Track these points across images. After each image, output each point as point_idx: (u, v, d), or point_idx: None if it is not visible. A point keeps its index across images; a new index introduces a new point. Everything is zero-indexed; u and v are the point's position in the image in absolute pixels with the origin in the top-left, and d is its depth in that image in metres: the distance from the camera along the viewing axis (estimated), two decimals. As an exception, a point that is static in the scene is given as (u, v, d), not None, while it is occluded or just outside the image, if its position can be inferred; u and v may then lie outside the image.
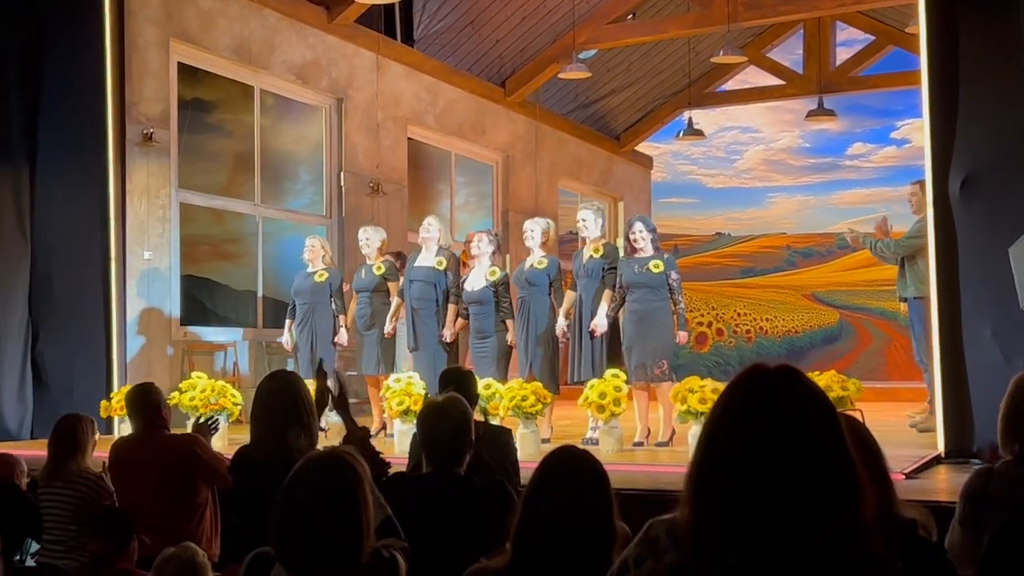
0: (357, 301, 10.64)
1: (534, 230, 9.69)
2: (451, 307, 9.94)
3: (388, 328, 10.21)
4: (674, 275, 9.07)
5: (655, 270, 8.99)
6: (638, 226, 9.20)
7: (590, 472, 2.94)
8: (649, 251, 9.14)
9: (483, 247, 9.88)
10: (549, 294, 9.63)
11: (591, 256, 9.35)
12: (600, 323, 9.13)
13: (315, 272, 10.77)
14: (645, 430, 9.02)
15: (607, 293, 9.20)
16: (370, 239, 10.63)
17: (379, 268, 10.48)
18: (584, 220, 9.45)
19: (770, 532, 1.84)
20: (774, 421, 1.90)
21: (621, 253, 9.55)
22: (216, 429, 5.99)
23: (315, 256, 10.88)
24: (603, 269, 9.27)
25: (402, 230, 14.56)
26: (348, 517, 2.87)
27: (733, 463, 1.89)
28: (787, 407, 1.92)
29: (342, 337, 10.70)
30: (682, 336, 9.02)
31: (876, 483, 2.48)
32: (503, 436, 5.60)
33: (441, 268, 9.99)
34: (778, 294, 22.50)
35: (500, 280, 9.70)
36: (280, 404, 4.41)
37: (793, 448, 1.88)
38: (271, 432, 4.37)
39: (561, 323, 9.46)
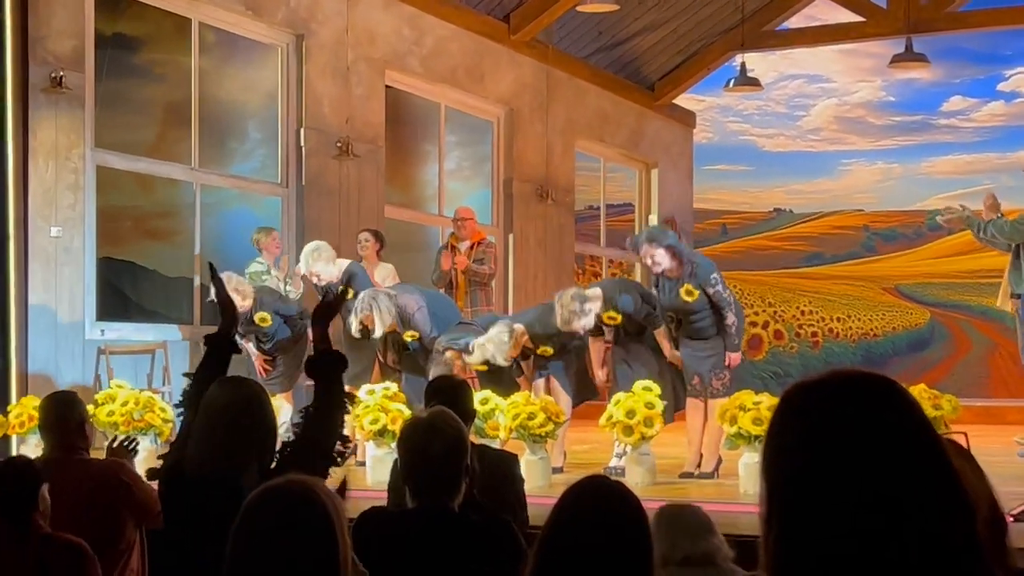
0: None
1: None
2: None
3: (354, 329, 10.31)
4: (710, 287, 9.09)
5: (688, 298, 9.08)
6: (646, 250, 9.14)
7: (627, 509, 2.94)
8: (676, 269, 9.13)
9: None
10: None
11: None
12: (673, 354, 9.38)
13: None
14: (697, 457, 9.08)
15: (659, 332, 9.40)
16: (320, 272, 10.72)
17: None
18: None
19: None
20: (871, 436, 1.89)
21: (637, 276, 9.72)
22: (135, 452, 5.99)
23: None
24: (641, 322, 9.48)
25: (378, 202, 14.56)
26: (324, 563, 2.86)
27: (824, 496, 1.88)
28: (885, 419, 1.91)
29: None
30: (733, 358, 9.14)
31: (984, 525, 2.47)
32: (506, 463, 5.61)
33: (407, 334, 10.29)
34: (852, 287, 22.50)
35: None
36: (234, 421, 4.29)
37: (896, 471, 1.87)
38: (216, 454, 4.32)
39: (600, 376, 9.77)
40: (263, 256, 12.26)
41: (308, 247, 10.84)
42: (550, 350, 9.59)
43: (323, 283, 10.58)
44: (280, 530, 2.88)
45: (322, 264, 10.61)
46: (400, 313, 10.20)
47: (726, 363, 9.11)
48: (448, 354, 9.76)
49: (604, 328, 9.53)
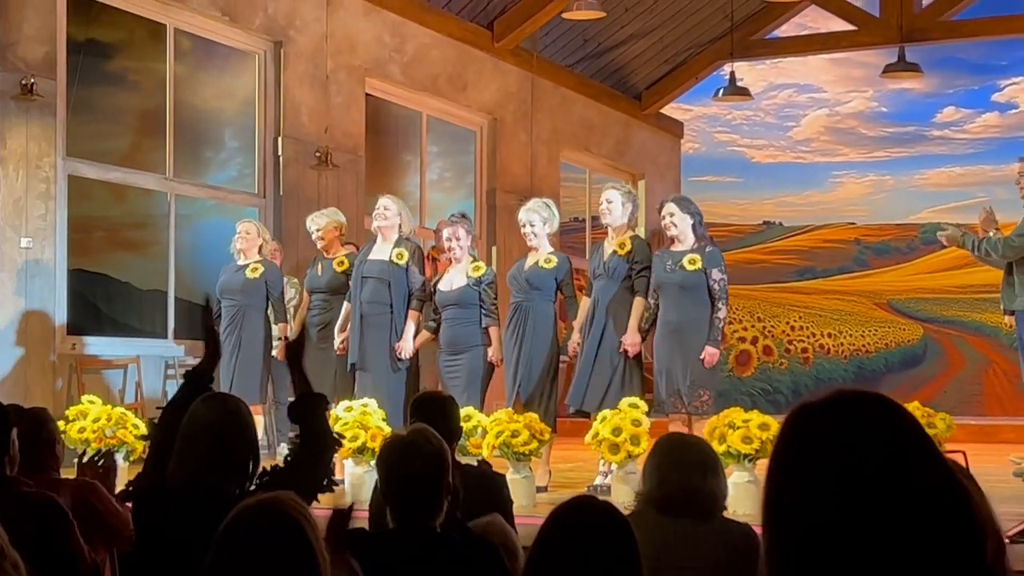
0: (310, 305, 10.73)
1: (534, 221, 9.70)
2: (412, 314, 9.96)
3: (338, 343, 10.22)
4: (716, 274, 9.07)
5: (690, 267, 9.00)
6: (671, 208, 9.18)
7: (615, 530, 2.94)
8: (689, 241, 9.13)
9: (462, 240, 9.89)
10: (554, 301, 9.64)
11: (614, 252, 9.33)
12: (634, 340, 9.16)
13: (247, 265, 10.84)
14: None
15: (638, 301, 9.21)
16: (322, 227, 10.70)
17: (341, 263, 10.56)
18: (609, 202, 9.40)
19: None
20: (876, 457, 1.90)
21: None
22: (108, 467, 5.96)
23: (249, 246, 10.96)
24: (629, 270, 9.26)
25: (357, 213, 14.54)
26: None
27: (828, 525, 1.89)
28: (889, 439, 1.92)
29: (281, 352, 10.78)
30: (710, 354, 9.02)
31: (992, 548, 2.47)
32: (494, 483, 5.59)
33: (401, 262, 10.00)
34: (844, 302, 22.52)
35: (487, 278, 9.72)
36: (218, 438, 4.36)
37: (902, 494, 1.88)
38: (203, 469, 4.34)
39: (575, 339, 9.50)
40: None
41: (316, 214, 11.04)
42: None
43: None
44: (257, 549, 2.90)
45: (323, 219, 10.83)
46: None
47: (702, 357, 9.01)
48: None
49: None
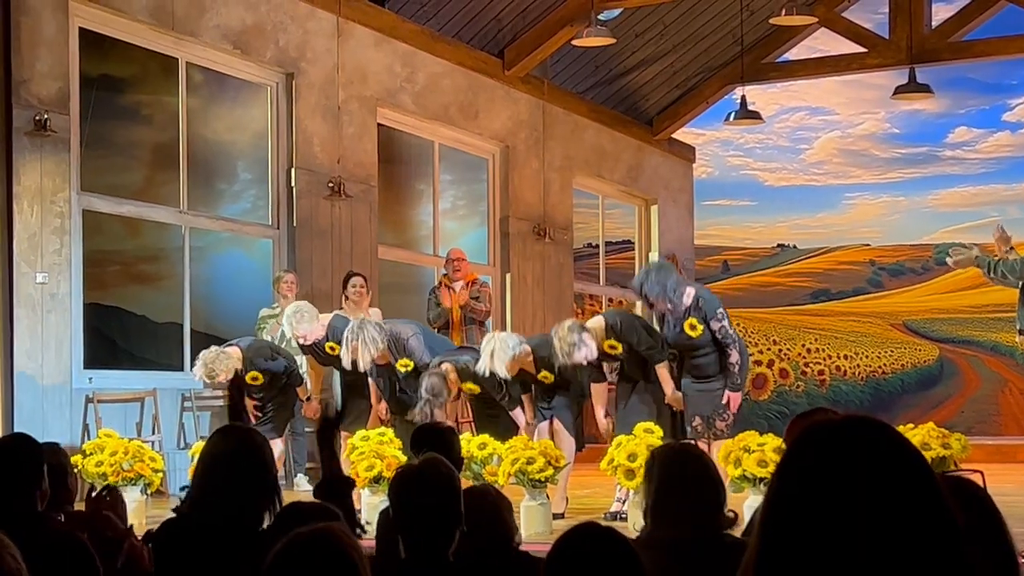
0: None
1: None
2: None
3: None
4: (716, 324, 9.18)
5: (692, 334, 9.13)
6: (647, 292, 9.21)
7: (619, 557, 2.93)
8: (679, 308, 9.17)
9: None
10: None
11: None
12: (676, 397, 9.27)
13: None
14: None
15: (664, 369, 9.28)
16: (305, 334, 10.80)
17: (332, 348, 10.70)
18: (586, 345, 9.16)
19: None
20: (863, 494, 1.89)
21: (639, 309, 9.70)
22: (113, 500, 5.95)
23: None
24: (640, 356, 9.36)
25: (371, 244, 14.57)
26: None
27: (808, 554, 1.88)
28: (881, 474, 1.91)
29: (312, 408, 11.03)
30: (734, 398, 9.19)
31: (1001, 571, 2.45)
32: (488, 502, 5.57)
33: (407, 370, 10.19)
34: (859, 324, 22.49)
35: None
36: (242, 470, 4.35)
37: (893, 532, 1.87)
38: (226, 504, 4.32)
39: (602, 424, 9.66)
40: (279, 301, 12.27)
41: (289, 310, 10.80)
42: (550, 376, 9.49)
43: (310, 343, 10.62)
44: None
45: (305, 325, 10.60)
46: (393, 341, 10.12)
47: (725, 401, 9.11)
48: (445, 366, 9.71)
49: (605, 363, 9.50)
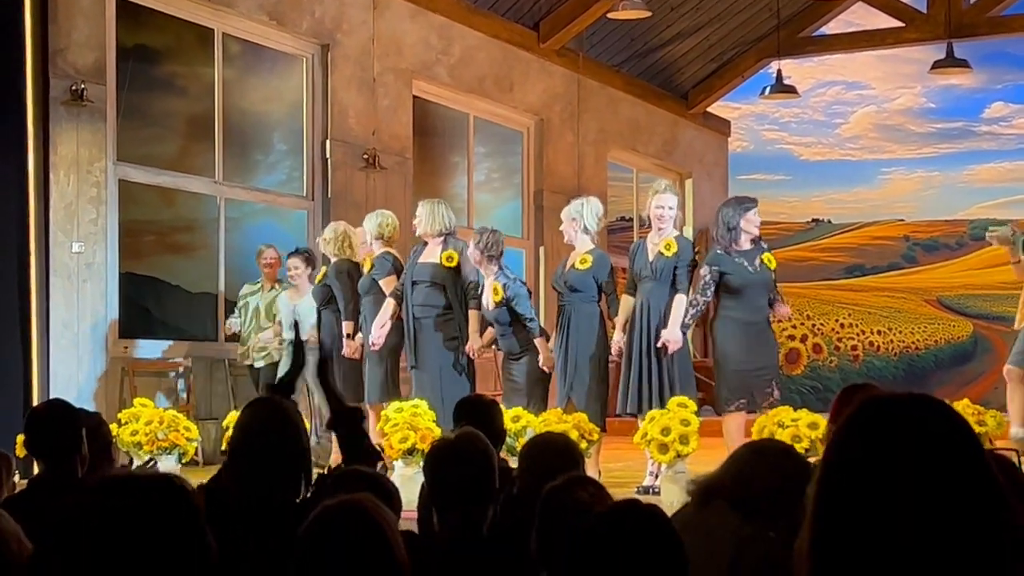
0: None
1: (575, 218, 9.67)
2: (472, 313, 9.94)
3: (374, 338, 10.21)
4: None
5: (772, 265, 9.15)
6: (728, 213, 9.20)
7: (661, 536, 2.90)
8: (748, 239, 9.16)
9: (474, 255, 9.88)
10: (598, 301, 9.60)
11: (660, 254, 9.27)
12: (675, 336, 9.09)
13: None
14: None
15: (680, 299, 9.16)
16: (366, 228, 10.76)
17: (369, 266, 10.59)
18: (669, 208, 9.34)
19: None
20: (917, 468, 1.91)
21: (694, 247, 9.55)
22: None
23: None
24: (674, 269, 9.23)
25: (406, 215, 14.51)
26: None
27: (865, 522, 1.89)
28: (936, 451, 1.93)
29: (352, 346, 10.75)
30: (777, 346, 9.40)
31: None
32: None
33: (452, 264, 10.01)
34: (893, 299, 22.40)
35: (511, 294, 9.66)
36: (275, 443, 4.33)
37: (943, 509, 1.89)
38: (260, 476, 4.31)
39: (617, 338, 9.42)
40: (262, 276, 12.25)
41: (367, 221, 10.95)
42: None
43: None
44: (341, 548, 2.99)
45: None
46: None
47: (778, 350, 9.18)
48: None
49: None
